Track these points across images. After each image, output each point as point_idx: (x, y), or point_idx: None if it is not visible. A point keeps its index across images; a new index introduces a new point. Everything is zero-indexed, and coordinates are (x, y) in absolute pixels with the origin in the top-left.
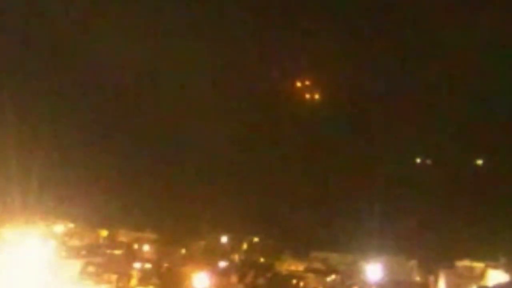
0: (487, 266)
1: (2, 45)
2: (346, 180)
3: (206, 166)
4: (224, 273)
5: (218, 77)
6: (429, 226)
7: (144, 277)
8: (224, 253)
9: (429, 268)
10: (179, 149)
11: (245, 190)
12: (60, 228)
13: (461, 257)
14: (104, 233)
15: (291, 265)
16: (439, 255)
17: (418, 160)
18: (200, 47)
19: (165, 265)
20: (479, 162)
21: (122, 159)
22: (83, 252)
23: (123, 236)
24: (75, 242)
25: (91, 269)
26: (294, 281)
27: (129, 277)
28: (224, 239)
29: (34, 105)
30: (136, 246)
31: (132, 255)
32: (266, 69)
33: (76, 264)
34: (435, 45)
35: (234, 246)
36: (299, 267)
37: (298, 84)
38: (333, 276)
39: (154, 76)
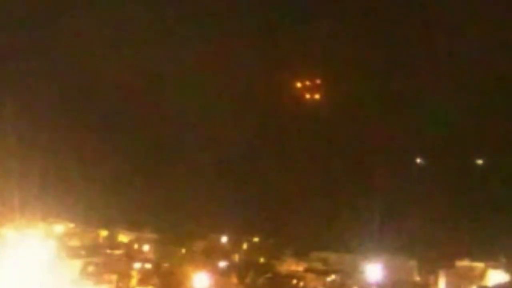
0: (487, 266)
1: (3, 44)
2: (346, 180)
3: (206, 166)
4: (224, 273)
5: (218, 77)
6: (429, 226)
7: (144, 277)
8: (224, 253)
9: (429, 268)
10: (179, 149)
11: (245, 190)
12: (60, 228)
13: (461, 257)
14: (104, 233)
15: (291, 265)
16: (439, 255)
17: (418, 160)
18: (201, 46)
19: (165, 265)
20: (479, 162)
21: (122, 159)
22: (83, 252)
23: (123, 236)
24: (75, 242)
25: (91, 269)
26: (294, 281)
27: (129, 277)
28: (224, 239)
29: (34, 105)
30: (136, 246)
31: (132, 255)
32: (266, 69)
33: (76, 264)
34: (435, 44)
35: (234, 246)
36: (299, 267)
37: (299, 84)
38: (333, 276)
39: (155, 76)
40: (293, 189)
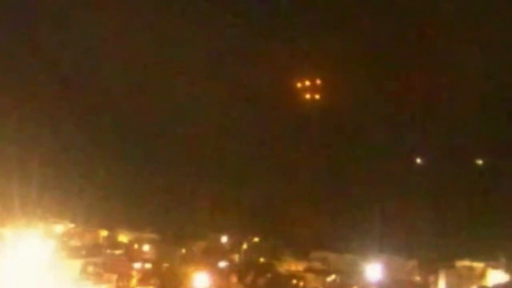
0: (487, 266)
1: (4, 46)
2: (346, 180)
3: (206, 166)
4: (224, 273)
5: (218, 77)
6: (429, 226)
7: (144, 277)
8: (224, 253)
9: (429, 268)
10: (179, 149)
11: (246, 190)
12: (60, 228)
13: (461, 257)
14: (104, 233)
15: (291, 265)
16: (439, 255)
17: (418, 160)
18: (201, 47)
19: (165, 265)
20: (479, 162)
21: (122, 159)
22: (83, 252)
23: (123, 236)
24: (75, 242)
25: (91, 269)
26: (294, 281)
27: (129, 277)
28: (224, 239)
29: (35, 104)
30: (136, 246)
31: (132, 255)
32: (266, 69)
33: (76, 264)
34: (435, 44)
35: (234, 246)
36: (299, 267)
37: (299, 84)
38: (333, 276)
39: (154, 75)
40: (293, 189)
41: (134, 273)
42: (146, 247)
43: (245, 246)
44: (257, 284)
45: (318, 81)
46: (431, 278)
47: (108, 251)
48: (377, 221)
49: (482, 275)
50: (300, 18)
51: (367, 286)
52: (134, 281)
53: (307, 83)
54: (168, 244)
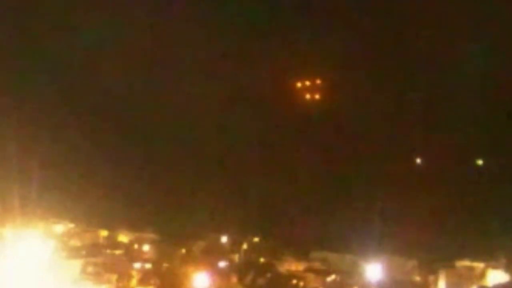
0: (487, 266)
1: (4, 46)
2: (346, 180)
3: (207, 166)
4: (224, 273)
5: (218, 78)
6: (429, 226)
7: (144, 277)
8: (224, 253)
9: (429, 268)
10: (179, 149)
11: (245, 190)
12: (60, 228)
13: (461, 257)
14: (104, 233)
15: (291, 265)
16: (439, 255)
17: (419, 160)
18: (200, 45)
19: (165, 265)
20: (479, 162)
21: (122, 159)
22: (83, 252)
23: (123, 236)
24: (75, 242)
25: (91, 269)
26: (294, 281)
27: (129, 277)
28: (224, 239)
29: (35, 105)
30: (136, 246)
31: (132, 255)
32: (266, 70)
33: (76, 264)
34: (436, 45)
35: (234, 246)
36: (299, 267)
37: (299, 84)
38: (333, 276)
39: (155, 75)
40: (293, 189)
41: (134, 273)
42: (146, 247)
43: (245, 246)
44: (257, 284)
45: (318, 81)
46: (431, 278)
47: (108, 251)
48: (377, 221)
49: (482, 275)
50: (300, 18)
51: (367, 286)
52: (134, 281)
53: (307, 83)
54: (168, 244)
